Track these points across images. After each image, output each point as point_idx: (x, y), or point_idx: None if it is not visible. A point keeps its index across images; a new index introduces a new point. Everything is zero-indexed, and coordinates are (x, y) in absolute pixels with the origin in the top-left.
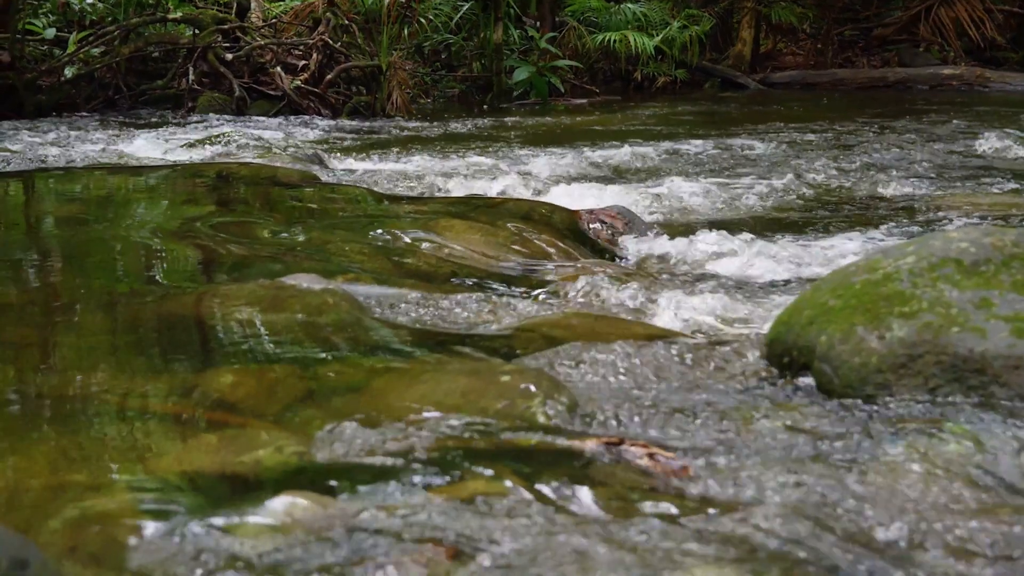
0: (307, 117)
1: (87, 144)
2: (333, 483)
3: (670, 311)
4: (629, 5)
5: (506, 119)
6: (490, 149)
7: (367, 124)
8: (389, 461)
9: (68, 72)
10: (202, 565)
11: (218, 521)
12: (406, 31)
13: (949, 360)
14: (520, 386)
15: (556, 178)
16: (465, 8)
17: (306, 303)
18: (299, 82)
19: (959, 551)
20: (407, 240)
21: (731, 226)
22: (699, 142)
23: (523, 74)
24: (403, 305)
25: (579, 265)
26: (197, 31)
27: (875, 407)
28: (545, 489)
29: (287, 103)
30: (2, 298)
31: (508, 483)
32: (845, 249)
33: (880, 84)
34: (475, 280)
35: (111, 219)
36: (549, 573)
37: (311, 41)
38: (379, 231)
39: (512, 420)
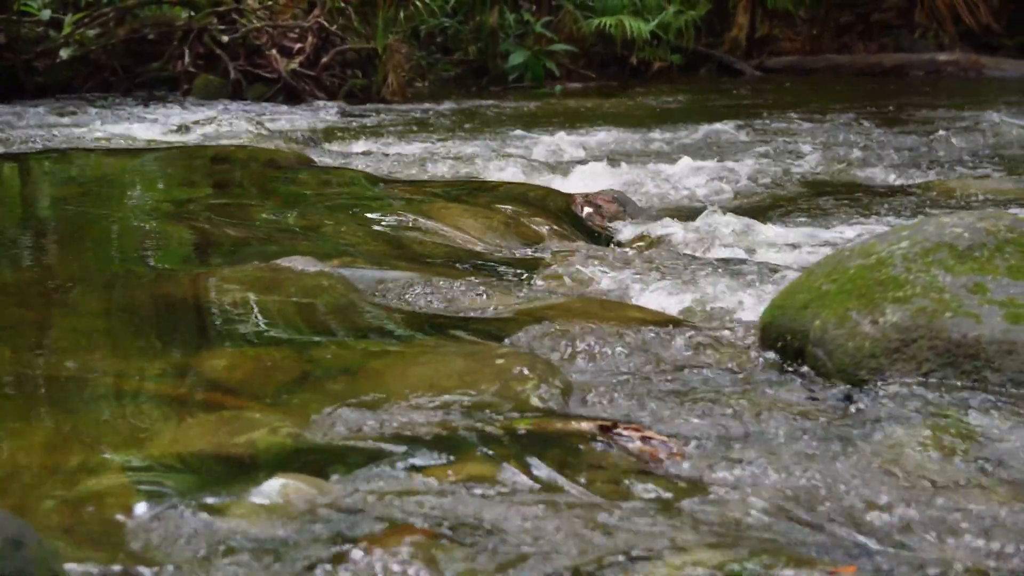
0: (303, 100)
1: (83, 126)
2: (327, 465)
3: (664, 295)
4: None
5: (501, 103)
6: (485, 133)
7: (363, 107)
8: (383, 443)
9: (64, 54)
10: (196, 545)
11: (212, 502)
12: (402, 14)
13: (943, 345)
14: (515, 369)
15: (551, 162)
16: None
17: (301, 286)
18: (295, 65)
19: (951, 532)
20: (402, 223)
21: (726, 210)
22: (694, 127)
23: (519, 58)
24: (398, 288)
25: (573, 249)
26: (193, 13)
27: (869, 391)
28: (538, 472)
29: (283, 86)
30: None
31: (501, 465)
32: (840, 234)
33: (876, 70)
34: (469, 263)
35: (107, 201)
36: (540, 555)
37: (307, 24)
38: (374, 214)
39: (507, 403)
